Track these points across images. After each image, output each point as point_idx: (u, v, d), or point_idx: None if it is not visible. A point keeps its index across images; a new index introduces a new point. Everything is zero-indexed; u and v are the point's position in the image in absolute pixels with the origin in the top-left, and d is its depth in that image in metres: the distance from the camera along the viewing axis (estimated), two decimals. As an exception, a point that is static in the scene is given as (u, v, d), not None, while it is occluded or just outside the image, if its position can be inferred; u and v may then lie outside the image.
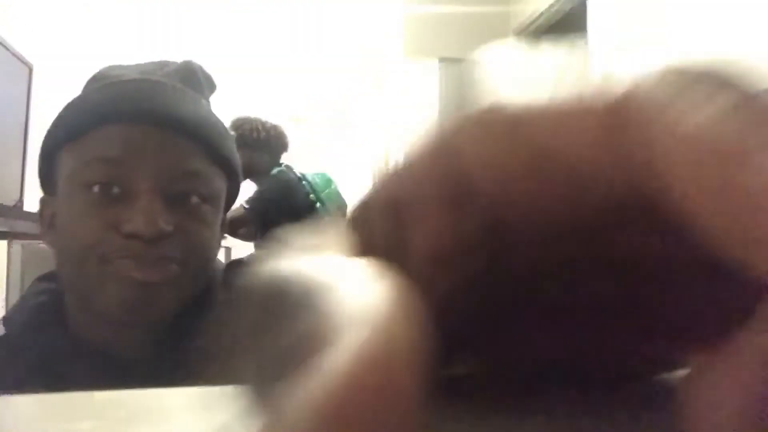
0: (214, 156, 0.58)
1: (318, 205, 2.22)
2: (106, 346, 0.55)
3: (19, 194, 2.11)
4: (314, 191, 2.25)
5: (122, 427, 0.18)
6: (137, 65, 0.62)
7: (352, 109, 6.21)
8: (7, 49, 1.98)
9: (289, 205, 2.16)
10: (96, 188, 0.52)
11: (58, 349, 0.54)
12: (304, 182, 2.26)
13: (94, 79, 0.61)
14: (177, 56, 0.66)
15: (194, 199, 0.55)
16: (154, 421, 0.18)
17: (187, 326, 0.51)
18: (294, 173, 2.30)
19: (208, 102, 0.64)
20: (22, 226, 1.85)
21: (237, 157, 0.63)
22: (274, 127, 2.25)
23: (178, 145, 0.55)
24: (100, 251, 0.51)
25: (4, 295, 2.73)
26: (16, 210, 1.94)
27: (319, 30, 5.62)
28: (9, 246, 2.67)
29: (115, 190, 0.52)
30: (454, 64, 4.08)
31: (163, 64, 0.62)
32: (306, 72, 6.16)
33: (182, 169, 0.55)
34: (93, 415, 0.19)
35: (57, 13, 3.25)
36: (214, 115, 0.62)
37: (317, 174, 2.33)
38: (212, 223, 0.57)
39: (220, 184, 0.59)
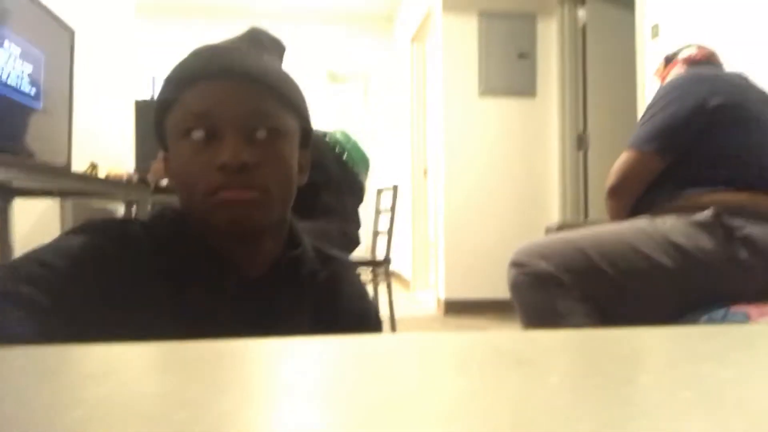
0: (281, 99, 0.71)
1: (345, 156, 2.25)
2: (222, 252, 0.70)
3: (66, 156, 2.19)
4: (338, 144, 2.29)
5: (74, 385, 0.20)
6: (219, 42, 0.77)
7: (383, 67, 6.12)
8: (50, 14, 2.02)
9: (317, 158, 2.18)
10: (193, 135, 0.66)
11: (194, 248, 0.70)
12: (327, 138, 2.30)
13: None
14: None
15: (269, 135, 0.68)
16: (110, 379, 0.20)
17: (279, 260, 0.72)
18: (315, 130, 2.33)
19: (279, 59, 0.80)
20: (70, 184, 1.93)
21: (304, 101, 0.76)
22: None
23: (250, 92, 0.68)
24: (204, 187, 0.66)
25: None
26: (65, 170, 2.01)
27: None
28: (61, 203, 2.79)
29: (208, 134, 0.66)
30: (494, 18, 3.97)
31: (238, 38, 0.78)
32: (337, 25, 6.08)
33: (255, 111, 0.68)
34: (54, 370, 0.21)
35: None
36: (278, 66, 0.75)
37: (336, 131, 2.38)
38: (288, 157, 0.71)
39: (291, 123, 0.72)
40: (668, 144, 1.46)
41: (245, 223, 0.67)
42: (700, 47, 1.67)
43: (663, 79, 1.72)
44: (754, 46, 2.18)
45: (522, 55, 3.98)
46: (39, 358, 0.21)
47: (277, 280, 0.72)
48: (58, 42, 2.10)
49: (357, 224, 2.35)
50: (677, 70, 1.65)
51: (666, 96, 1.49)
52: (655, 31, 2.78)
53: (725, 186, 1.40)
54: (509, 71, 3.98)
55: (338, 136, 2.33)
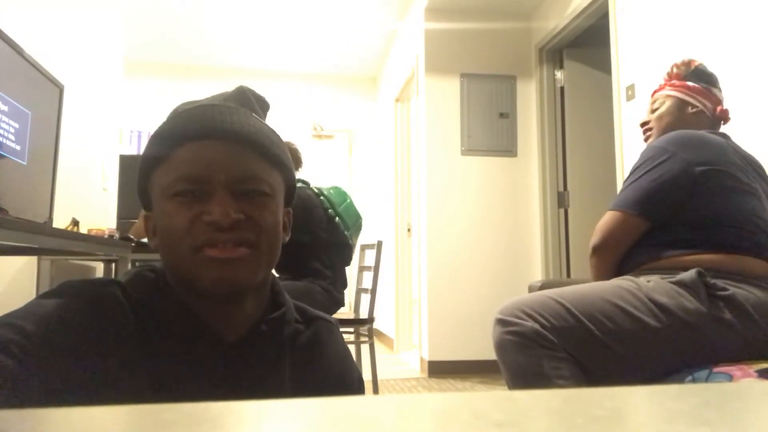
0: (269, 157, 0.72)
1: (337, 219, 2.24)
2: (201, 314, 0.69)
3: (48, 212, 2.17)
4: (332, 206, 2.27)
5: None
6: (205, 98, 0.75)
7: (370, 124, 6.25)
8: (39, 70, 2.05)
9: (310, 220, 2.18)
10: (182, 195, 0.67)
11: (173, 311, 0.68)
12: (321, 197, 2.28)
13: (173, 112, 0.76)
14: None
15: (257, 194, 0.69)
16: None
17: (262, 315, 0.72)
18: (311, 189, 2.32)
19: (263, 116, 0.79)
20: (51, 242, 1.90)
21: (288, 157, 0.77)
22: (288, 144, 2.27)
23: (238, 151, 0.69)
24: (191, 243, 0.65)
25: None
26: (45, 227, 1.99)
27: (333, 44, 5.68)
28: (39, 261, 2.75)
29: (197, 194, 0.67)
30: (475, 80, 4.10)
31: (223, 94, 0.76)
32: (324, 85, 6.23)
33: (244, 172, 0.69)
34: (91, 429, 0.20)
35: (87, 33, 3.34)
36: (265, 124, 0.75)
37: (332, 188, 2.36)
38: (274, 212, 0.71)
39: (278, 181, 0.73)
40: (653, 209, 1.47)
41: (231, 281, 0.66)
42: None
43: (661, 87, 1.71)
44: (730, 105, 2.26)
45: (503, 115, 4.10)
46: (10, 423, 0.21)
47: (256, 343, 0.71)
48: (46, 98, 2.13)
49: (343, 284, 2.33)
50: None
51: (653, 158, 1.50)
52: (630, 93, 2.89)
53: (711, 248, 1.41)
54: (490, 130, 4.09)
55: (332, 194, 2.31)
